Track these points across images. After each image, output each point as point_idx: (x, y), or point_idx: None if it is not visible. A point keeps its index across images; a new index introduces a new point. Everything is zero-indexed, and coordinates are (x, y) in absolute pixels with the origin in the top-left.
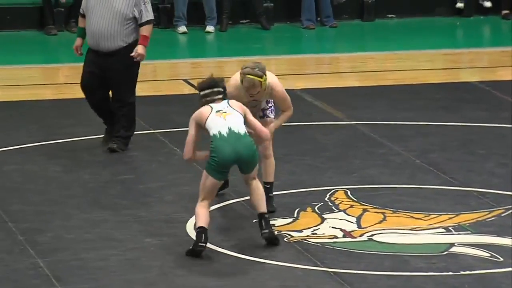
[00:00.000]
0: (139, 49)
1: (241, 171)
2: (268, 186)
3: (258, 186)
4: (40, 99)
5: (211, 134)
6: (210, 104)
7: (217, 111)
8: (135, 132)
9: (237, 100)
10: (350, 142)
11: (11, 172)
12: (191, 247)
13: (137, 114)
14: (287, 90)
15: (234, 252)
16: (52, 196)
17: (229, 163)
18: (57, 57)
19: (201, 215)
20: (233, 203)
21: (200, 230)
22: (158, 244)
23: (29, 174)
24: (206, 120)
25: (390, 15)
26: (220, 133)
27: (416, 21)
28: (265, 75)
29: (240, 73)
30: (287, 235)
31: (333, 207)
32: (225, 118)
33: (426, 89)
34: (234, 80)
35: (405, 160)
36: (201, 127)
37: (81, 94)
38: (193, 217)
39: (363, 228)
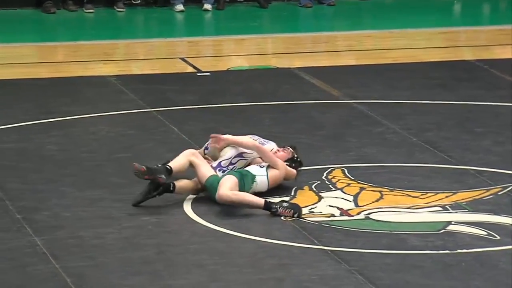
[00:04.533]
0: None
1: None
2: None
3: None
4: (37, 78)
5: None
6: None
7: None
8: (132, 111)
9: None
10: (347, 121)
11: (7, 150)
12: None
13: (134, 92)
14: (284, 69)
15: (230, 230)
16: (49, 175)
17: None
18: (54, 36)
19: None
20: None
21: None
22: (154, 222)
23: (26, 153)
24: None
25: None
26: None
27: None
28: None
29: None
30: None
31: (330, 186)
32: None
33: (423, 67)
34: None
35: (402, 138)
36: None
37: (77, 73)
38: (189, 196)
39: (360, 206)
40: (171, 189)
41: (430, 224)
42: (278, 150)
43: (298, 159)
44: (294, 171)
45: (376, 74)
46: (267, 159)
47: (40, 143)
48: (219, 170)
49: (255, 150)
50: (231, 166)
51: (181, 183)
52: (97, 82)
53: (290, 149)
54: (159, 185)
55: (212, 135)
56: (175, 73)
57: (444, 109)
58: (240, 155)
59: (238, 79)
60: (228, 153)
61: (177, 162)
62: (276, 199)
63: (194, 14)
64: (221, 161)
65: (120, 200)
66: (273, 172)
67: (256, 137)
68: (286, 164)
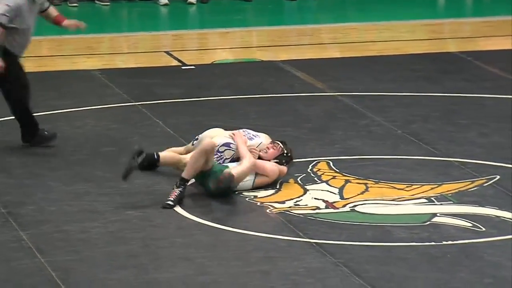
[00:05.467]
0: None
1: None
2: None
3: None
4: None
5: None
6: None
7: None
8: (117, 104)
9: None
10: (332, 113)
11: None
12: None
13: (119, 86)
14: (269, 61)
15: (217, 223)
16: (34, 169)
17: None
18: (39, 30)
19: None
20: None
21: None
22: (140, 216)
23: (11, 147)
24: None
25: None
26: None
27: None
28: None
29: None
30: (269, 206)
31: (315, 178)
32: None
33: (407, 59)
34: None
35: (387, 131)
36: None
37: (62, 67)
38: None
39: (346, 199)
40: (155, 157)
41: (416, 216)
42: (268, 148)
43: (288, 154)
44: (285, 168)
45: (361, 66)
46: (262, 172)
47: None
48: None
49: (250, 165)
50: (218, 154)
51: (166, 154)
52: (82, 76)
53: (280, 144)
54: (142, 152)
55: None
56: (160, 66)
57: (429, 101)
58: (227, 144)
59: (223, 73)
60: (216, 140)
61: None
62: (261, 193)
63: (179, 7)
64: None
65: (105, 194)
66: (260, 179)
67: (247, 131)
68: (276, 162)
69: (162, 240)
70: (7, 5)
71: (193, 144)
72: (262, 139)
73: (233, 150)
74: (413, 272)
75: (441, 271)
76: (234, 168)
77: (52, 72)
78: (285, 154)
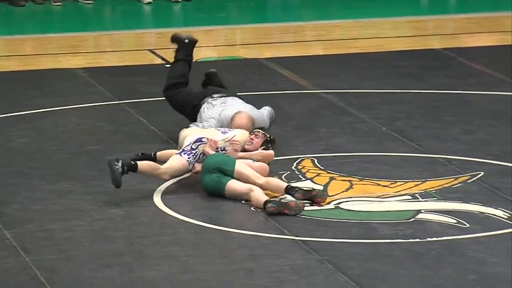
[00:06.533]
0: None
1: None
2: None
3: None
4: (5, 71)
5: None
6: None
7: None
8: (101, 103)
9: None
10: (316, 111)
11: None
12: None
13: (103, 84)
14: (252, 59)
15: (201, 221)
16: (18, 168)
17: None
18: (22, 28)
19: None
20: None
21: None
22: (124, 214)
23: None
24: None
25: None
26: None
27: None
28: None
29: None
30: None
31: (300, 176)
32: None
33: (391, 56)
34: None
35: (372, 128)
36: None
37: (46, 66)
38: (159, 187)
39: (330, 196)
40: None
41: (400, 213)
42: (251, 139)
43: (271, 137)
44: (272, 152)
45: (344, 64)
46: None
47: (9, 136)
48: (184, 154)
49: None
50: (192, 151)
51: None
52: (65, 75)
53: (261, 131)
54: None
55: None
56: (144, 65)
57: (413, 98)
58: (199, 139)
59: (206, 71)
60: (189, 138)
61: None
62: None
63: (162, 5)
64: (184, 147)
65: (90, 193)
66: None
67: (219, 129)
68: (263, 148)
69: (147, 238)
70: None
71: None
72: (235, 132)
73: (205, 143)
74: (398, 268)
75: (425, 267)
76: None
77: (36, 71)
78: (268, 139)
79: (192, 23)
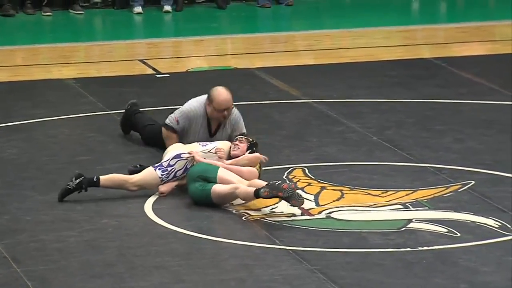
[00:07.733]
0: None
1: None
2: None
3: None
4: None
5: None
6: None
7: None
8: (92, 113)
9: None
10: (307, 120)
11: None
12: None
13: (93, 95)
14: (244, 69)
15: (192, 231)
16: (9, 178)
17: None
18: (13, 39)
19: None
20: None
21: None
22: (115, 224)
23: None
24: None
25: None
26: None
27: None
28: None
29: None
30: (245, 214)
31: None
32: None
33: (382, 66)
34: None
35: (362, 137)
36: None
37: (37, 76)
38: (150, 197)
39: (321, 205)
40: (95, 180)
41: (391, 222)
42: (236, 144)
43: (253, 141)
44: (258, 154)
45: (335, 73)
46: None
47: (0, 147)
48: (159, 169)
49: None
50: (169, 168)
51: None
52: (56, 85)
53: (243, 137)
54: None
55: (190, 152)
56: (134, 75)
57: (404, 108)
58: (178, 156)
59: (197, 80)
60: (168, 154)
61: None
62: (237, 200)
63: (153, 15)
64: (162, 162)
65: (81, 203)
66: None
67: (201, 143)
68: (249, 152)
69: (138, 249)
70: None
71: None
72: (215, 144)
73: (183, 160)
74: (389, 278)
75: (416, 276)
76: (217, 186)
77: (27, 82)
78: (252, 142)
79: (182, 33)
